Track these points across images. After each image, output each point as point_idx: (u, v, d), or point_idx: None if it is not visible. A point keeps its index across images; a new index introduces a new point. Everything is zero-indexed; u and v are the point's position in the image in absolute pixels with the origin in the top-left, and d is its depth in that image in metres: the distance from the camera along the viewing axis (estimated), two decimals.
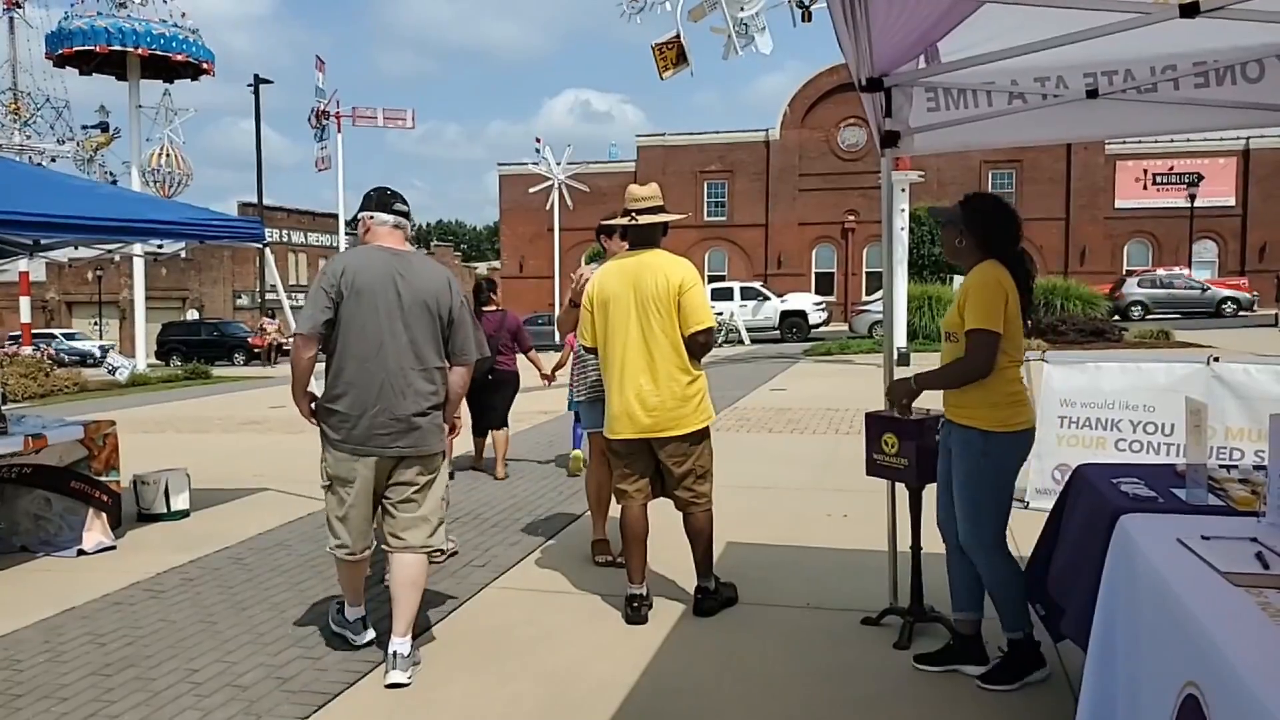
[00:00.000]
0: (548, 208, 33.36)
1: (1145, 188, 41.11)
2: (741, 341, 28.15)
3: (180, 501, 6.45)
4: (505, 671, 3.72)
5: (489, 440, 7.69)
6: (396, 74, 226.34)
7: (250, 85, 36.69)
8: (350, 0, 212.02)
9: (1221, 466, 3.33)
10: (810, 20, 14.29)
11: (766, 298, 31.06)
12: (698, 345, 4.04)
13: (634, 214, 4.18)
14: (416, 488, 3.72)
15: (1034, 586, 3.57)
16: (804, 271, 44.29)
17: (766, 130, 44.70)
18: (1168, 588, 2.13)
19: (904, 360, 16.34)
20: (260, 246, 6.80)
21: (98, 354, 33.23)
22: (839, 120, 43.60)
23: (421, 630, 4.10)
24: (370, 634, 3.91)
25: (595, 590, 4.62)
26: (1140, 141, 40.81)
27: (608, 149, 49.35)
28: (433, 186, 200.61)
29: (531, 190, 34.27)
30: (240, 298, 50.01)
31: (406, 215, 3.84)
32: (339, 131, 33.13)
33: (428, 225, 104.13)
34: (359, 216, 3.83)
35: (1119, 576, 2.61)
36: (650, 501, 4.26)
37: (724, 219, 45.54)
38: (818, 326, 30.54)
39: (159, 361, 31.23)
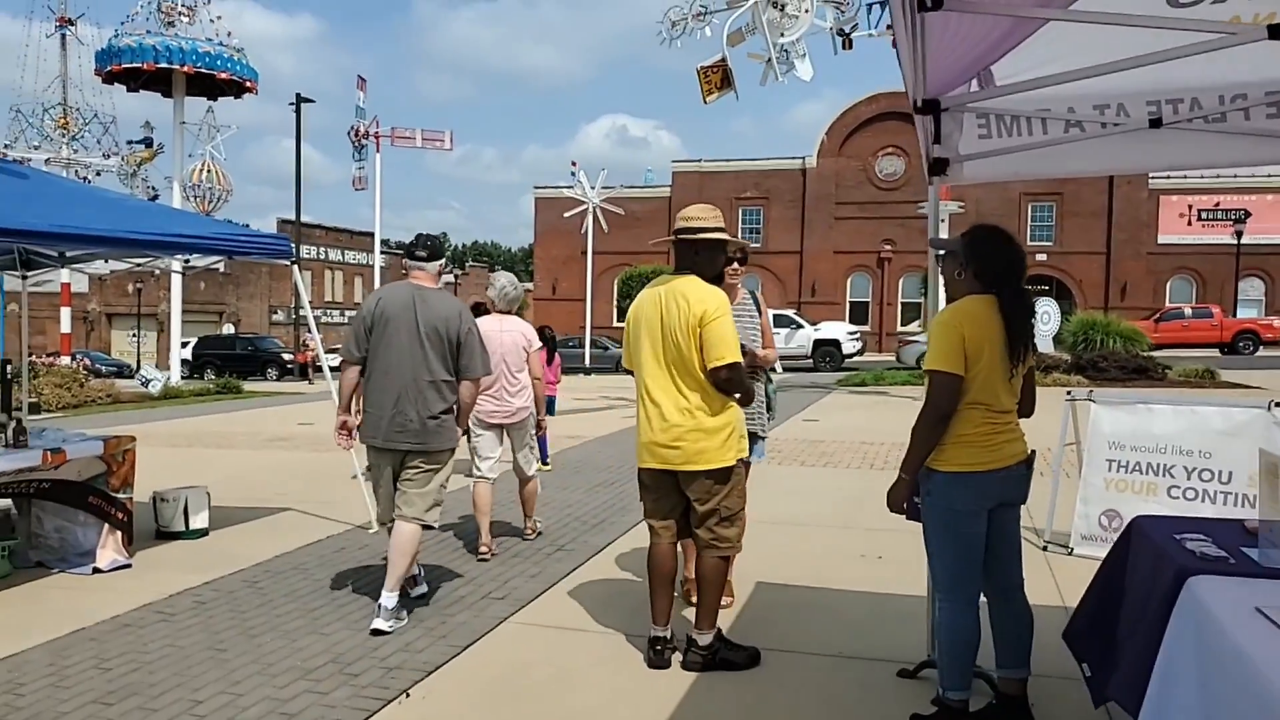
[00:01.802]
0: (582, 231, 33.38)
1: (1190, 223, 40.34)
2: (774, 369, 27.76)
3: (199, 520, 6.36)
4: (518, 714, 3.54)
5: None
6: (435, 97, 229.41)
7: (292, 104, 37.19)
8: (392, 24, 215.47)
9: None
10: (851, 48, 14.17)
11: (800, 325, 30.75)
12: (720, 381, 3.75)
13: (677, 233, 3.99)
14: (421, 473, 4.61)
15: (1078, 640, 3.34)
16: (838, 300, 43.94)
17: (803, 158, 44.56)
18: (1254, 667, 1.91)
19: None
20: (289, 263, 6.72)
21: (133, 366, 33.66)
22: (877, 149, 43.37)
23: (435, 666, 3.95)
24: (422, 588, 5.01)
25: (618, 629, 4.43)
26: (1185, 176, 40.13)
27: (643, 174, 49.51)
28: (469, 208, 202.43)
29: (566, 214, 34.31)
30: (276, 313, 50.59)
31: (425, 259, 4.75)
32: (378, 151, 33.45)
33: (463, 246, 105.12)
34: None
35: (1184, 643, 2.39)
36: (681, 541, 4.07)
37: (758, 245, 45.35)
38: (852, 356, 30.17)
39: (193, 375, 31.55)
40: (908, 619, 4.50)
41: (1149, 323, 28.94)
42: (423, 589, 4.98)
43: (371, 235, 35.80)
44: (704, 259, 3.96)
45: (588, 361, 31.13)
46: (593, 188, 31.50)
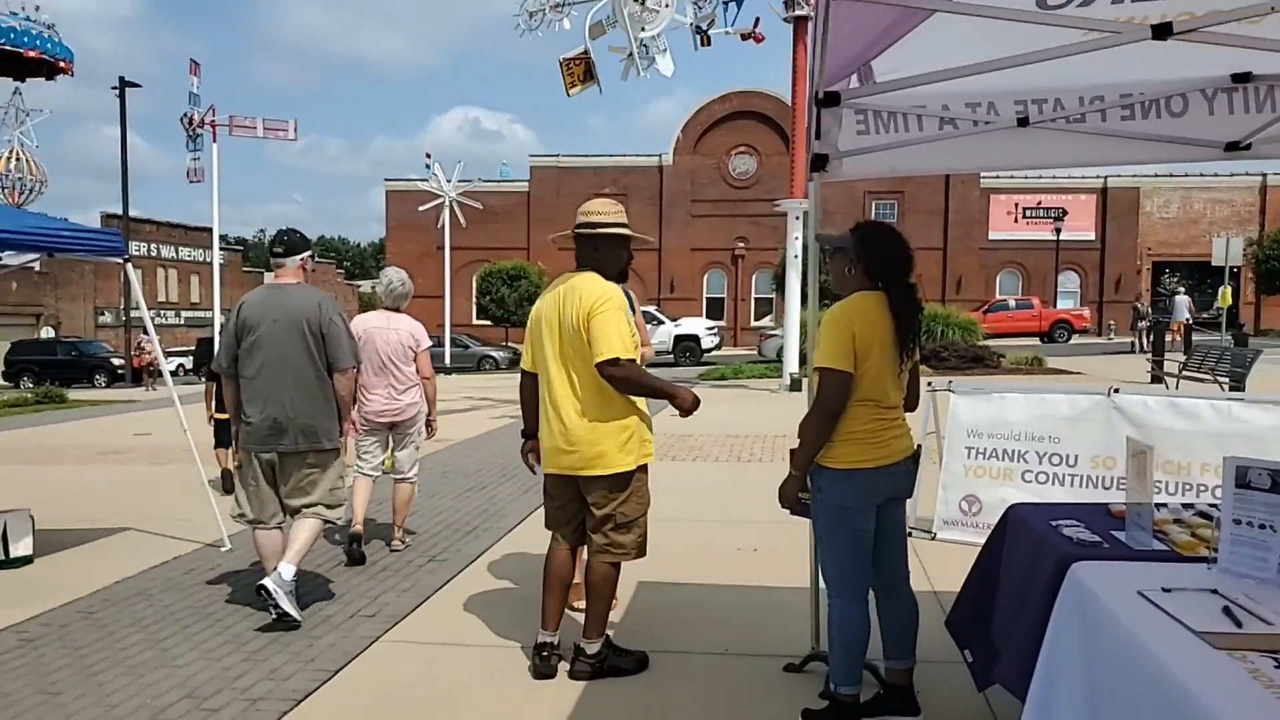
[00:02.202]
0: (438, 226, 32.54)
1: (1016, 220, 43.20)
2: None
3: (21, 547, 5.74)
4: None
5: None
6: (276, 85, 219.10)
7: (114, 88, 34.60)
8: (225, 6, 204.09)
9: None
10: (709, 44, 14.33)
11: (661, 321, 31.11)
12: (611, 379, 3.59)
13: (580, 228, 3.85)
14: (306, 480, 4.59)
15: (960, 628, 3.44)
16: (696, 296, 44.68)
17: (660, 155, 45.03)
18: (1144, 650, 1.97)
19: (797, 385, 16.49)
20: (121, 261, 6.17)
21: None
22: (730, 148, 44.31)
23: (305, 695, 3.68)
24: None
25: (500, 642, 4.26)
26: (1012, 176, 42.93)
27: (499, 168, 48.74)
28: (314, 202, 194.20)
29: (421, 208, 33.37)
30: (103, 315, 46.97)
31: (282, 254, 4.70)
32: (215, 141, 31.48)
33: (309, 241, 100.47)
34: None
35: (1069, 626, 2.46)
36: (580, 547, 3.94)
37: None
38: (710, 350, 30.77)
39: (7, 383, 28.92)
40: (789, 612, 4.54)
41: (978, 314, 30.86)
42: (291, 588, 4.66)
43: (208, 230, 33.64)
44: (606, 255, 3.84)
45: (448, 360, 30.41)
46: (449, 181, 30.76)
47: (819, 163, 3.81)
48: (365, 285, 59.43)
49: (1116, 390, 5.38)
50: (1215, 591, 2.23)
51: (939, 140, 3.77)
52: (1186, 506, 3.15)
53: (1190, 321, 25.17)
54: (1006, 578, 3.10)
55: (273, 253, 4.73)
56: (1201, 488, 4.95)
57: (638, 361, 3.71)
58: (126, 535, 6.59)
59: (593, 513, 3.76)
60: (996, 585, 3.20)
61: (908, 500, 3.37)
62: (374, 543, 6.16)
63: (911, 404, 3.33)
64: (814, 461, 3.21)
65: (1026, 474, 5.57)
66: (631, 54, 12.86)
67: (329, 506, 4.66)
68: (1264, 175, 41.35)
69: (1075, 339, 35.17)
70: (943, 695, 3.52)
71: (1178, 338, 24.15)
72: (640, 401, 3.76)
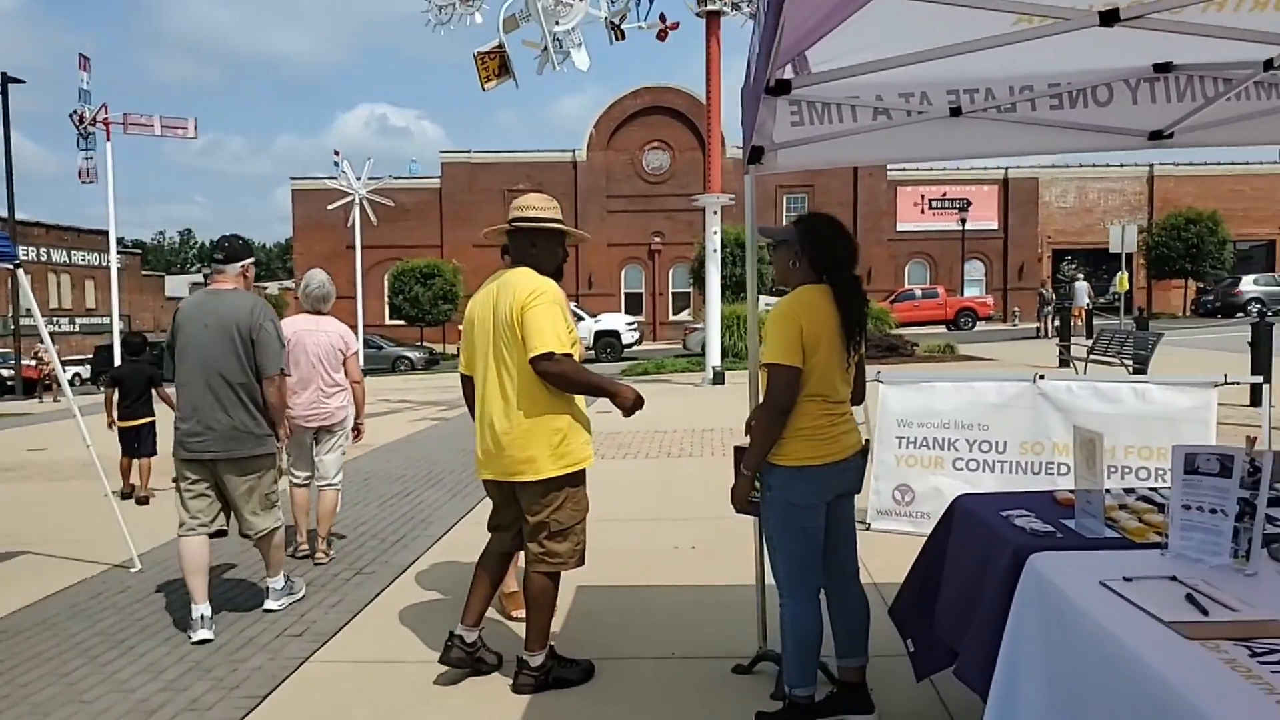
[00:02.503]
0: (348, 224, 31.65)
1: (922, 211, 44.33)
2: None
3: None
4: None
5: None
6: (173, 83, 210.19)
7: None
8: (115, 0, 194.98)
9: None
10: (623, 38, 14.22)
11: (580, 318, 30.94)
12: (546, 376, 3.46)
13: (512, 222, 3.70)
14: (242, 489, 4.55)
15: (903, 617, 3.42)
16: (614, 292, 44.59)
17: (574, 151, 44.76)
18: (1115, 642, 1.95)
19: (719, 379, 16.57)
20: (11, 267, 5.75)
21: None
22: (643, 144, 44.31)
23: None
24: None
25: (435, 658, 4.08)
26: (918, 168, 44.07)
27: (408, 165, 47.77)
28: (216, 202, 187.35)
29: (330, 206, 32.39)
30: None
31: (223, 261, 4.68)
32: (108, 140, 30.03)
33: (211, 243, 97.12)
34: None
35: (1031, 619, 2.44)
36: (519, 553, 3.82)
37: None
38: (631, 346, 30.76)
39: None
40: (733, 610, 4.49)
41: (886, 304, 31.62)
42: (299, 594, 5.04)
43: (103, 233, 32.01)
44: (543, 251, 3.71)
45: (362, 362, 29.64)
46: (358, 178, 29.92)
47: (755, 155, 3.75)
48: (271, 287, 57.57)
49: (1042, 377, 5.49)
50: (1174, 579, 2.24)
51: (874, 131, 3.75)
52: (1128, 491, 3.19)
53: (1090, 306, 26.21)
54: (956, 570, 3.09)
55: (213, 259, 4.73)
56: (1125, 469, 5.08)
57: (575, 358, 3.58)
58: (24, 559, 6.16)
59: (526, 520, 3.63)
60: (943, 576, 3.19)
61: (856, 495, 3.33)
62: (292, 559, 5.92)
63: (858, 397, 3.29)
64: (769, 461, 3.14)
65: (957, 461, 5.64)
66: (546, 48, 12.68)
67: (265, 512, 4.64)
68: (1151, 166, 43.36)
69: (981, 326, 36.34)
70: (894, 689, 3.51)
71: (1079, 322, 25.11)
72: (577, 402, 3.64)
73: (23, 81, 34.27)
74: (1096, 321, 25.04)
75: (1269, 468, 2.27)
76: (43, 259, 46.49)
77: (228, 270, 4.65)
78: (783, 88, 2.80)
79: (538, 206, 3.69)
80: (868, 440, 3.30)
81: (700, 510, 6.57)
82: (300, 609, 4.86)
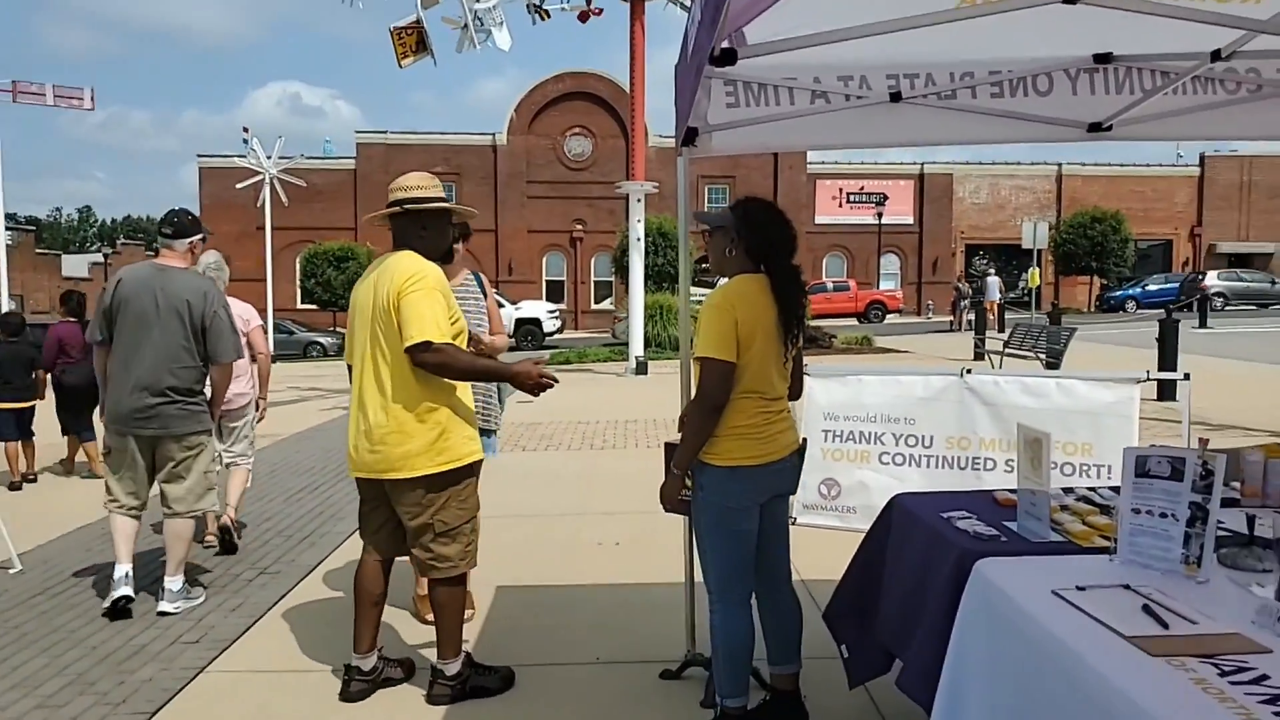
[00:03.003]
0: (258, 205, 30.48)
1: (840, 205, 44.97)
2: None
3: None
4: None
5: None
6: (69, 53, 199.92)
7: None
8: None
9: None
10: (548, 18, 13.92)
11: (501, 305, 30.47)
12: (419, 365, 3.18)
13: (399, 204, 3.44)
14: (178, 464, 4.51)
15: (837, 621, 3.32)
16: (535, 279, 44.08)
17: (494, 134, 44.01)
18: (1075, 658, 1.84)
19: (642, 369, 16.44)
20: None
21: None
22: (565, 129, 43.83)
23: None
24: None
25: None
26: (836, 161, 44.68)
27: (322, 145, 46.31)
28: (117, 178, 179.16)
29: (239, 185, 31.14)
30: None
31: (171, 236, 4.56)
32: None
33: (114, 221, 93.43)
34: None
35: (979, 628, 2.34)
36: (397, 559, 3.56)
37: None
38: (553, 334, 30.44)
39: None
40: (660, 610, 4.33)
41: None
42: (197, 600, 4.72)
43: None
44: (433, 233, 3.46)
45: (272, 348, 28.65)
46: (269, 157, 28.82)
47: (689, 137, 3.57)
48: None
49: (969, 371, 5.47)
50: (1127, 587, 2.15)
51: (811, 115, 3.61)
52: (1067, 491, 3.12)
53: (1002, 301, 26.93)
54: (896, 574, 2.98)
55: (160, 233, 4.63)
56: (1051, 464, 5.06)
57: (461, 346, 3.35)
58: None
59: (406, 524, 3.38)
60: (882, 581, 3.08)
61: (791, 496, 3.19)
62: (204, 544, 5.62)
63: (795, 393, 3.15)
64: (699, 459, 2.98)
65: (884, 456, 5.59)
66: (466, 25, 12.30)
67: (202, 495, 4.60)
68: (1059, 165, 44.83)
69: (892, 318, 37.09)
70: (827, 695, 3.39)
71: (991, 316, 25.77)
72: (461, 394, 3.41)
73: None
74: (1008, 315, 25.74)
75: (1222, 471, 2.20)
76: None
77: (175, 246, 4.57)
78: (728, 57, 2.62)
79: (421, 185, 3.45)
80: (805, 439, 3.16)
81: (625, 504, 6.40)
82: (197, 613, 4.52)
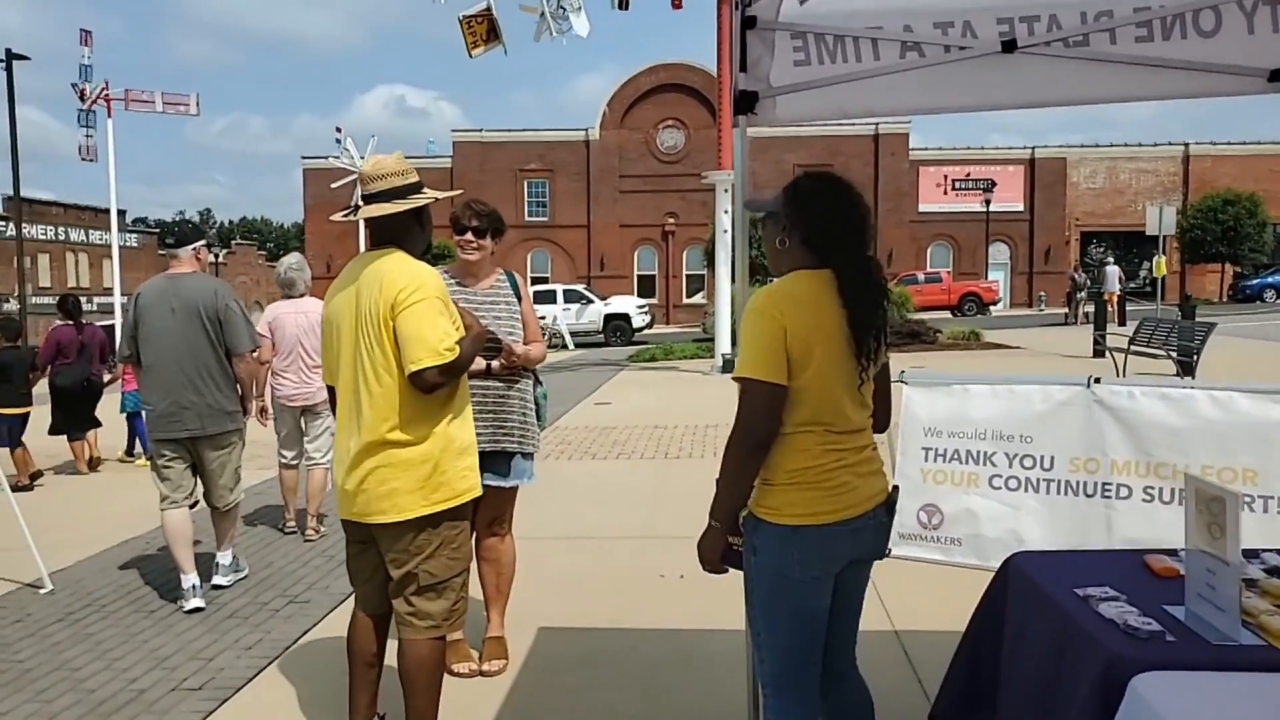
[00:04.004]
0: (352, 203, 30.95)
1: (945, 193, 43.09)
2: (565, 346, 27.10)
3: None
4: None
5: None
6: (195, 63, 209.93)
7: (1, 60, 32.07)
8: None
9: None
10: (627, 8, 13.30)
11: (590, 300, 30.20)
12: (426, 389, 2.67)
13: (364, 199, 2.89)
14: (215, 463, 4.77)
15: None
16: (626, 274, 43.72)
17: (586, 130, 43.76)
18: None
19: (729, 367, 15.72)
20: None
21: None
22: (658, 122, 43.27)
23: None
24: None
25: None
26: (940, 148, 42.86)
27: (425, 145, 46.95)
28: (236, 181, 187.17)
29: (334, 185, 31.68)
30: (8, 302, 44.12)
31: (174, 246, 4.76)
32: (109, 116, 29.40)
33: (231, 223, 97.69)
34: None
35: None
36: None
37: (546, 219, 44.28)
38: (641, 330, 29.97)
39: None
40: (719, 667, 3.70)
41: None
42: (244, 572, 5.18)
43: (121, 213, 31.49)
44: (428, 228, 2.98)
45: None
46: (363, 157, 29.15)
47: (746, 102, 2.90)
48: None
49: (1098, 380, 4.62)
50: None
51: (900, 72, 2.90)
52: (1250, 557, 2.32)
53: (1122, 292, 25.07)
54: (1018, 667, 2.26)
55: (165, 244, 4.89)
56: (1238, 531, 4.19)
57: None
58: None
59: (390, 571, 2.83)
60: (999, 672, 2.37)
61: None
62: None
63: (881, 424, 2.44)
64: (748, 509, 2.32)
65: (995, 479, 4.78)
66: (544, 13, 11.81)
67: (233, 488, 4.88)
68: (1186, 145, 41.90)
69: (999, 310, 35.21)
70: None
71: (1111, 308, 24.03)
72: (460, 418, 2.83)
73: (27, 58, 33.64)
74: (1129, 308, 23.96)
75: None
76: (60, 238, 46.07)
77: (180, 254, 4.76)
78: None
79: (402, 171, 2.87)
80: (895, 488, 2.44)
81: (694, 526, 5.70)
82: (209, 649, 4.10)
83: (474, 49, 9.93)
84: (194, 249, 4.79)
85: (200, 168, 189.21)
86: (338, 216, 3.21)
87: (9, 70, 33.20)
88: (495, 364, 3.41)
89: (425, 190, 2.92)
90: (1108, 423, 4.53)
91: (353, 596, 3.06)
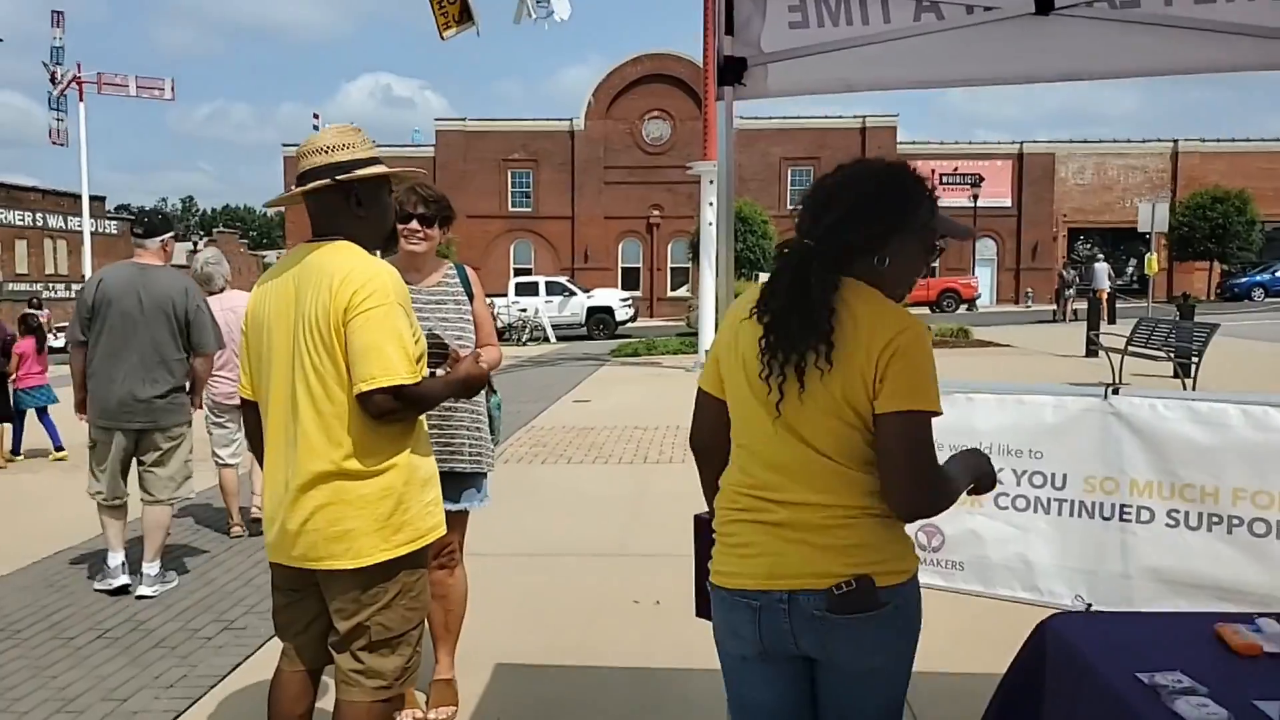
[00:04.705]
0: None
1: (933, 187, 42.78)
2: (548, 339, 26.64)
3: None
4: None
5: None
6: (177, 51, 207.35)
7: None
8: None
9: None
10: None
11: (573, 293, 29.76)
12: (381, 418, 2.21)
13: (298, 179, 2.41)
14: (162, 453, 4.75)
15: None
16: (610, 266, 43.22)
17: (571, 120, 43.20)
18: None
19: None
20: None
21: None
22: (643, 113, 42.75)
23: None
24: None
25: None
26: (928, 141, 42.58)
27: (410, 134, 46.23)
28: (220, 169, 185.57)
29: None
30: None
31: (143, 235, 4.73)
32: (81, 100, 28.75)
33: (213, 211, 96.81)
34: None
35: None
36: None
37: (530, 210, 43.70)
38: (625, 323, 29.55)
39: None
40: (697, 709, 3.26)
41: None
42: (173, 583, 4.95)
43: (100, 199, 30.73)
44: (373, 213, 2.42)
45: None
46: None
47: (732, 70, 2.46)
48: (270, 255, 56.35)
49: (1115, 390, 4.21)
50: None
51: (914, 37, 2.46)
52: None
53: (1112, 289, 24.73)
54: None
55: (133, 233, 4.86)
56: (1235, 521, 3.80)
57: (420, 370, 2.32)
58: None
59: (335, 623, 2.35)
60: None
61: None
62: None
63: (892, 498, 1.73)
64: (900, 580, 1.82)
65: (1001, 499, 4.37)
66: None
67: (180, 482, 4.88)
68: (1175, 141, 41.72)
69: (991, 307, 34.96)
70: None
71: (1101, 306, 23.72)
72: (421, 444, 2.38)
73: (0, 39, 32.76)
74: (1118, 305, 23.68)
75: None
76: (38, 224, 45.11)
77: (148, 245, 4.76)
78: None
79: (349, 143, 2.38)
80: (848, 582, 1.71)
81: (674, 542, 5.25)
82: (127, 686, 3.64)
83: (445, 30, 9.43)
84: (162, 241, 4.78)
85: (184, 155, 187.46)
86: (281, 200, 2.72)
87: None
88: (440, 373, 2.95)
89: (376, 168, 2.40)
90: (1127, 438, 4.12)
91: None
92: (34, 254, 44.70)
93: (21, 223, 44.07)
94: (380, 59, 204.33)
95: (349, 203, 2.38)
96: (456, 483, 3.15)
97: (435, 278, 3.22)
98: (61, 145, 28.52)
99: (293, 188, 2.45)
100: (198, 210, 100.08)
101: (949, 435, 4.54)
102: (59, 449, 8.70)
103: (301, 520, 2.25)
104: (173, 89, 29.69)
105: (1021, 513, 4.32)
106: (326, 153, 2.36)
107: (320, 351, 2.22)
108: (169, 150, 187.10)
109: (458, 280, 3.26)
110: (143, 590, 4.71)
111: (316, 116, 29.02)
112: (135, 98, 29.47)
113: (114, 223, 48.78)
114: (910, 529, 4.52)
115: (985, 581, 4.32)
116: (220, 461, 5.92)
